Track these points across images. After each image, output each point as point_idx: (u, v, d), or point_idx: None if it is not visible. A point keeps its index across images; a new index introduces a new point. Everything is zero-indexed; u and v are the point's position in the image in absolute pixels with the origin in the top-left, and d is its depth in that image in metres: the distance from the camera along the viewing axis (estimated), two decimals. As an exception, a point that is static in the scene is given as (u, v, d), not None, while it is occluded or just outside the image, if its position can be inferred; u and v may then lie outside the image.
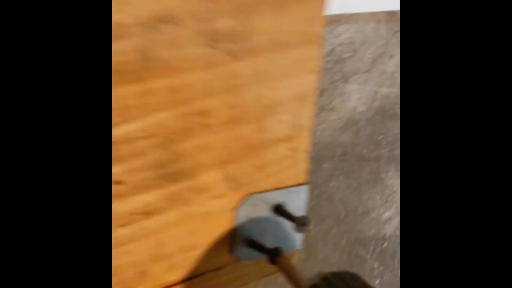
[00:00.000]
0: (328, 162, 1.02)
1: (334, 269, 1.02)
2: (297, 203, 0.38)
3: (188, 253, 0.35)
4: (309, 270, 1.08)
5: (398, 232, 1.23)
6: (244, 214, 0.36)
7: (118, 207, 0.31)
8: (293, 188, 0.38)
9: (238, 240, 0.36)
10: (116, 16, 0.26)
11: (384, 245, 1.24)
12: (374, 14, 0.92)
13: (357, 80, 0.98)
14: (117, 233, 0.31)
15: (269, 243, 0.38)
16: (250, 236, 0.37)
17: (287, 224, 0.38)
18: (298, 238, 0.40)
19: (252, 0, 0.30)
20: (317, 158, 0.98)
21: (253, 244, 0.37)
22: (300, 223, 0.35)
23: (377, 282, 1.21)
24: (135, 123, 0.29)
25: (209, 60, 0.30)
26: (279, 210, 0.37)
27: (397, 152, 1.07)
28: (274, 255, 0.35)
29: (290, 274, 0.34)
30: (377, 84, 1.01)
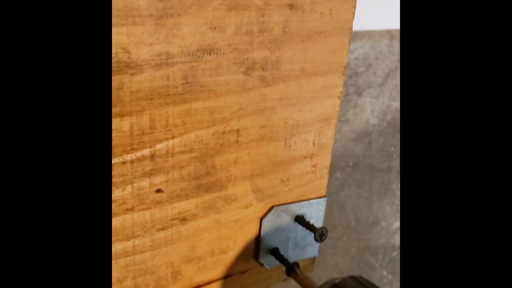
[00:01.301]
0: (341, 172, 1.05)
1: (344, 275, 1.04)
2: (317, 214, 0.42)
3: (217, 256, 0.39)
4: (319, 276, 1.12)
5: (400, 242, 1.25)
6: (268, 224, 0.40)
7: (158, 213, 0.34)
8: (314, 201, 0.41)
9: (262, 247, 0.40)
10: (165, 46, 0.29)
11: (394, 254, 1.27)
12: (388, 32, 0.95)
13: (370, 94, 1.02)
14: (155, 236, 0.35)
15: (290, 250, 0.41)
16: (273, 243, 0.40)
17: (307, 233, 0.42)
18: (316, 246, 0.43)
19: (285, 34, 0.33)
20: (330, 168, 1.02)
21: (275, 253, 0.40)
22: (320, 233, 0.39)
23: (385, 290, 1.23)
24: (176, 139, 0.33)
25: (243, 85, 0.34)
26: (300, 220, 0.40)
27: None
28: (289, 270, 0.39)
29: (303, 283, 0.37)
30: (389, 97, 1.05)
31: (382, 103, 1.03)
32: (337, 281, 0.35)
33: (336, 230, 1.10)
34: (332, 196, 1.04)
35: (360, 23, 0.95)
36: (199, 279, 0.39)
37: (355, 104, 0.98)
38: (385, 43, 0.99)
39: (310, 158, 0.40)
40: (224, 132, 0.35)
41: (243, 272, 0.41)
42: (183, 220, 0.35)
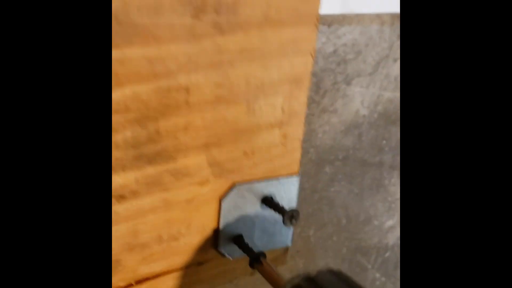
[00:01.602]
0: (330, 166, 0.99)
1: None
2: (288, 195, 0.35)
3: (167, 243, 0.32)
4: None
5: (400, 242, 1.19)
6: (230, 205, 0.33)
7: (91, 190, 0.28)
8: (284, 179, 0.35)
9: (223, 234, 0.34)
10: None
11: (386, 255, 1.21)
12: (378, 16, 0.90)
13: (360, 83, 0.96)
14: (89, 219, 0.29)
15: (257, 238, 0.35)
16: (236, 230, 0.34)
17: (277, 218, 0.35)
18: (288, 234, 0.37)
19: (241, -33, 0.27)
20: (318, 161, 0.96)
21: (239, 241, 0.34)
22: (289, 216, 0.33)
23: (377, 293, 1.17)
24: (109, 96, 0.27)
25: (192, 32, 0.28)
26: (268, 201, 0.34)
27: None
28: (254, 261, 0.33)
29: (270, 277, 0.31)
30: (380, 87, 0.99)
31: (373, 93, 0.97)
32: (312, 275, 0.29)
33: (325, 228, 1.03)
34: (321, 192, 0.98)
35: (348, 6, 0.89)
36: (145, 270, 0.32)
37: (344, 93, 0.92)
38: (375, 28, 0.93)
39: (279, 127, 0.34)
40: (169, 90, 0.29)
41: (200, 264, 0.34)
42: (120, 198, 0.29)
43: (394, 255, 1.17)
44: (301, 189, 0.99)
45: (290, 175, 0.35)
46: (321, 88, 0.92)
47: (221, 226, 0.33)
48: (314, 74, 0.92)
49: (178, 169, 0.31)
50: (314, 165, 1.00)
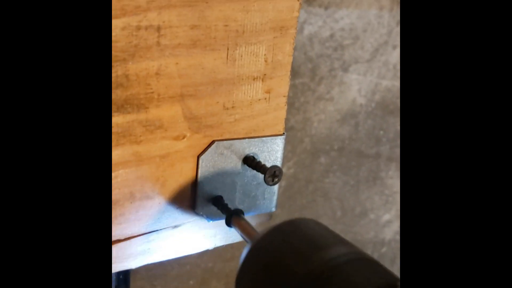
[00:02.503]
0: (325, 156, 0.96)
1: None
2: (272, 156, 0.33)
3: (139, 202, 0.30)
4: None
5: (398, 237, 1.16)
6: (208, 164, 0.31)
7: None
8: (268, 139, 0.33)
9: (201, 194, 0.31)
10: None
11: (383, 250, 1.18)
12: (377, 0, 0.88)
13: (358, 70, 0.93)
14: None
15: (239, 200, 0.33)
16: (216, 191, 0.32)
17: (260, 181, 0.33)
18: (273, 198, 0.34)
19: None
20: (313, 151, 0.93)
21: (218, 202, 0.31)
22: (271, 174, 0.30)
23: (374, 289, 1.13)
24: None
25: (164, -38, 0.25)
26: (249, 161, 0.31)
27: (398, 150, 1.02)
28: (230, 217, 0.30)
29: (244, 231, 0.29)
30: (378, 75, 0.96)
31: (371, 81, 0.95)
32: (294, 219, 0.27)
33: (320, 220, 1.01)
34: (316, 183, 0.96)
35: (345, -12, 0.87)
36: (116, 231, 0.30)
37: (341, 80, 0.90)
38: (373, 13, 0.91)
39: (262, 79, 0.31)
40: (139, 28, 0.26)
41: (176, 227, 0.32)
42: (86, 146, 0.27)
43: (390, 251, 1.14)
44: (295, 180, 0.96)
45: (274, 135, 0.33)
46: (317, 75, 0.90)
47: (198, 185, 0.31)
48: (309, 60, 0.89)
49: (150, 120, 0.28)
50: (309, 155, 0.98)
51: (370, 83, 0.94)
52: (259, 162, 0.31)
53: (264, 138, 0.32)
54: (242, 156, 0.32)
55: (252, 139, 0.32)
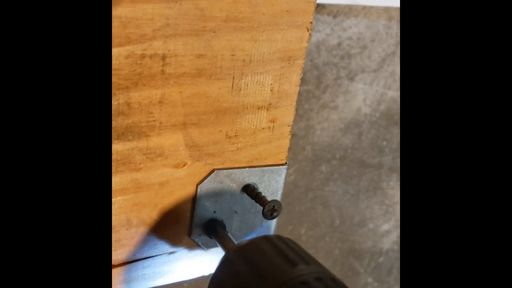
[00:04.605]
0: (326, 164, 0.96)
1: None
2: (273, 186, 0.32)
3: (136, 229, 0.29)
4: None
5: (396, 247, 1.16)
6: (207, 191, 0.30)
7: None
8: (269, 168, 0.32)
9: (198, 222, 0.31)
10: None
11: (380, 259, 1.18)
12: (386, 10, 0.86)
13: (364, 80, 0.92)
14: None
15: (236, 228, 0.32)
16: (213, 219, 0.31)
17: (259, 209, 0.32)
18: (271, 225, 0.34)
19: None
20: (315, 159, 0.93)
21: (213, 229, 0.31)
22: (270, 208, 0.29)
23: (369, 299, 1.13)
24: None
25: (172, -9, 0.25)
26: (249, 190, 0.31)
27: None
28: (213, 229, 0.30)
29: (223, 242, 0.28)
30: (384, 85, 0.95)
31: (376, 91, 0.94)
32: (242, 243, 0.26)
33: (318, 228, 1.00)
34: (315, 190, 0.95)
35: (355, -3, 0.86)
36: (112, 257, 0.29)
37: (346, 89, 0.89)
38: (382, 23, 0.89)
39: (267, 109, 0.30)
40: (143, 56, 0.25)
41: (172, 253, 0.31)
42: (84, 174, 0.26)
43: (388, 261, 1.13)
44: (295, 186, 0.96)
45: (276, 164, 0.32)
46: (323, 83, 0.89)
47: (195, 213, 0.30)
48: (315, 67, 0.88)
49: (151, 148, 0.28)
50: (310, 162, 0.97)
51: (375, 93, 0.93)
52: (259, 193, 0.31)
53: (265, 168, 0.32)
54: (242, 185, 0.31)
55: (253, 169, 0.31)
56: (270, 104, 0.30)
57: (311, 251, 1.00)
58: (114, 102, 0.25)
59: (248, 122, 0.30)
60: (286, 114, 0.31)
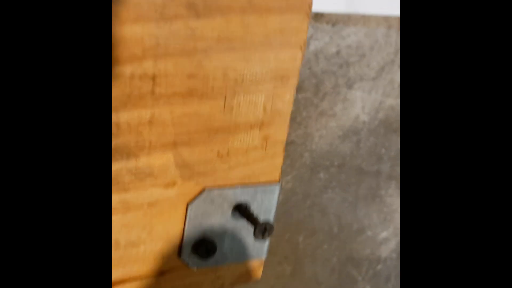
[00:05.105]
0: (324, 172, 0.95)
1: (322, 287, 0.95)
2: (265, 205, 0.32)
3: (124, 250, 0.29)
4: (295, 287, 1.01)
5: (394, 255, 1.15)
6: (197, 211, 0.30)
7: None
8: (262, 187, 0.31)
9: (188, 242, 0.30)
10: None
11: (378, 267, 1.17)
12: (385, 19, 0.86)
13: (362, 87, 0.92)
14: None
15: (227, 248, 0.32)
16: (203, 238, 0.31)
17: (251, 228, 0.32)
18: (263, 245, 0.33)
19: None
20: (313, 166, 0.92)
21: (203, 249, 0.30)
22: (261, 229, 0.29)
23: (367, 306, 1.13)
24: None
25: (162, 11, 0.24)
26: (241, 210, 0.30)
27: (399, 169, 1.00)
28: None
29: None
30: (383, 93, 0.95)
31: (375, 99, 0.93)
32: None
33: (316, 236, 1.00)
34: (313, 198, 0.95)
35: (354, 6, 0.85)
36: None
37: (345, 97, 0.89)
38: (381, 31, 0.89)
39: (260, 127, 0.30)
40: (133, 77, 0.25)
41: (161, 274, 0.31)
42: (71, 195, 0.26)
43: (386, 268, 1.13)
44: (293, 194, 0.95)
45: (269, 182, 0.32)
46: (321, 91, 0.88)
47: (186, 233, 0.30)
48: (314, 75, 0.88)
49: (140, 168, 0.27)
50: (308, 170, 0.97)
51: (374, 101, 0.92)
52: (251, 213, 0.30)
53: (258, 187, 0.31)
54: (234, 204, 0.31)
55: (246, 188, 0.31)
56: (263, 122, 0.30)
57: (308, 259, 1.00)
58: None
59: (240, 141, 0.30)
60: (279, 132, 0.31)
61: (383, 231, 1.12)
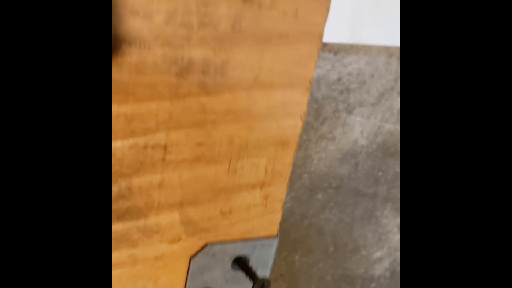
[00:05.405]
0: (322, 193, 0.97)
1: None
2: (263, 257, 0.34)
3: (130, 299, 0.31)
4: (289, 303, 1.03)
5: (387, 274, 1.17)
6: (199, 264, 0.32)
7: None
8: (261, 241, 0.34)
9: (190, 291, 0.32)
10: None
11: (372, 285, 1.19)
12: (386, 48, 0.88)
13: (362, 113, 0.94)
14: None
15: (226, 297, 0.34)
16: (205, 286, 0.33)
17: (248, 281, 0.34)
18: (260, 294, 0.35)
19: (235, 33, 0.26)
20: (311, 187, 0.94)
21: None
22: (259, 286, 0.31)
23: (359, 324, 1.15)
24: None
25: (176, 91, 0.26)
26: (240, 263, 0.33)
27: (395, 191, 1.02)
28: None
29: None
30: (382, 119, 0.97)
31: (374, 124, 0.96)
32: None
33: (312, 255, 1.02)
34: (311, 218, 0.97)
35: (356, 36, 0.88)
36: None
37: (344, 122, 0.91)
38: (382, 60, 0.91)
39: (261, 187, 0.32)
40: (146, 147, 0.27)
41: (164, 321, 0.33)
42: (85, 253, 0.28)
43: (379, 287, 1.15)
44: (291, 214, 0.97)
45: (268, 236, 0.34)
46: (321, 115, 0.91)
47: (188, 284, 0.32)
48: (315, 101, 0.90)
49: (148, 226, 0.29)
50: (307, 191, 0.99)
51: (373, 126, 0.94)
52: (250, 268, 0.32)
53: (257, 242, 0.33)
54: (234, 257, 0.33)
55: (246, 242, 0.33)
56: (264, 183, 0.32)
57: (303, 277, 1.02)
58: (115, 188, 0.27)
59: (242, 199, 0.32)
60: (279, 191, 0.33)
61: (377, 251, 1.14)
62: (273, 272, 0.99)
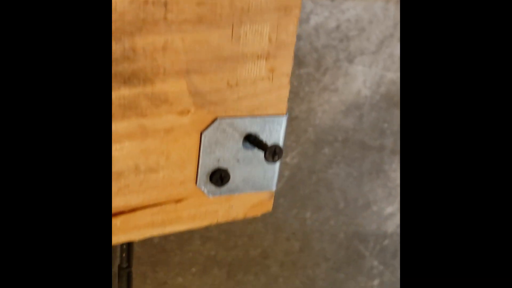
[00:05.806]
0: (328, 147, 0.97)
1: (330, 263, 0.96)
2: (274, 135, 0.34)
3: (144, 175, 0.31)
4: (303, 263, 1.03)
5: (400, 230, 1.17)
6: (211, 140, 0.32)
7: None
8: (270, 118, 0.33)
9: (203, 170, 0.32)
10: None
11: (385, 242, 1.18)
12: (384, -8, 0.88)
13: (363, 62, 0.94)
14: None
15: (239, 178, 0.33)
16: (217, 166, 0.32)
17: (261, 159, 0.34)
18: (273, 177, 0.35)
19: None
20: (317, 141, 0.94)
21: (218, 177, 0.32)
22: (271, 152, 0.31)
23: (375, 282, 1.15)
24: None
25: None
26: (251, 139, 0.32)
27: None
28: None
29: None
30: (383, 67, 0.96)
31: (376, 73, 0.95)
32: None
33: (322, 211, 1.01)
34: (318, 173, 0.96)
35: (352, -21, 0.87)
36: (120, 202, 0.30)
37: (346, 72, 0.90)
38: (379, 5, 0.91)
39: (266, 58, 0.32)
40: (146, 3, 0.27)
41: (178, 201, 0.33)
42: (93, 117, 0.27)
43: (392, 244, 1.14)
44: (298, 169, 0.97)
45: (276, 114, 0.34)
46: (322, 66, 0.90)
47: (201, 162, 0.32)
48: (315, 50, 0.90)
49: (156, 94, 0.29)
50: (312, 145, 0.98)
51: (375, 75, 0.94)
52: (261, 140, 0.32)
53: (266, 118, 0.33)
54: (244, 134, 0.33)
55: (254, 118, 0.33)
56: (268, 53, 0.32)
57: (316, 235, 1.02)
58: (119, 47, 0.27)
59: (248, 71, 0.31)
60: (284, 64, 0.33)
61: (388, 206, 1.14)
62: (284, 231, 0.99)
